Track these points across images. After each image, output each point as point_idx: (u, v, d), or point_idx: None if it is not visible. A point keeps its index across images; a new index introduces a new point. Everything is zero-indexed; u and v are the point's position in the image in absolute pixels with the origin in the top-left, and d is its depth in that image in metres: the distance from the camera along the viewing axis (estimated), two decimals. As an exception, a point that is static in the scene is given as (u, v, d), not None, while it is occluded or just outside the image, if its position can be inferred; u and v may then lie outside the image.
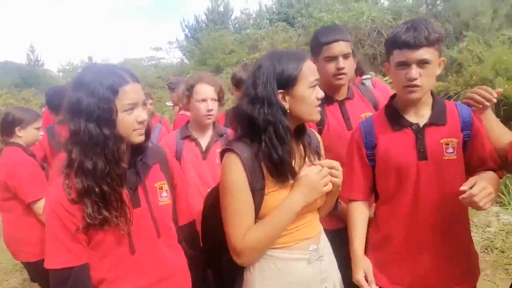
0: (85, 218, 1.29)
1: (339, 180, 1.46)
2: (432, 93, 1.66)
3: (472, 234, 1.73)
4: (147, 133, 1.46)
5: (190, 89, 2.38)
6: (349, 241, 1.68)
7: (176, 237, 1.58)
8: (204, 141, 2.44)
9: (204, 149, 2.42)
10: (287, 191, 1.42)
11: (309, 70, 1.42)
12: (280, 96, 1.41)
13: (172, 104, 5.12)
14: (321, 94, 1.43)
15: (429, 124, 1.60)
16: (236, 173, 1.38)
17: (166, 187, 1.53)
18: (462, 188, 1.38)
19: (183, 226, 1.65)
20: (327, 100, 1.98)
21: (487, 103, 1.66)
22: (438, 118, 1.61)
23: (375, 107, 2.18)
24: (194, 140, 2.42)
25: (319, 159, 1.56)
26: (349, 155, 1.78)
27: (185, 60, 22.29)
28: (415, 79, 1.51)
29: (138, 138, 1.39)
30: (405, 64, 1.52)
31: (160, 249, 1.47)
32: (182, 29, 23.82)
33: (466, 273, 1.65)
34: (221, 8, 24.03)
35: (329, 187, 1.43)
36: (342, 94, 2.13)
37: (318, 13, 10.62)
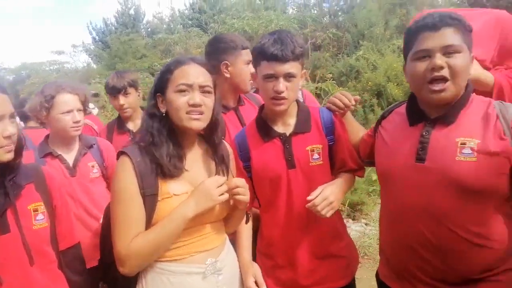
0: None
1: (245, 198, 1.44)
2: (297, 102, 1.72)
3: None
4: (18, 150, 1.34)
5: (50, 100, 2.13)
6: (237, 250, 1.69)
7: (55, 262, 1.45)
8: (70, 156, 2.23)
9: (71, 164, 2.22)
10: (183, 199, 1.38)
11: (180, 74, 1.40)
12: (159, 100, 1.42)
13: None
14: (193, 100, 1.37)
15: (294, 133, 1.65)
16: (125, 177, 1.33)
17: (42, 208, 1.40)
18: (308, 197, 1.50)
19: (64, 250, 1.52)
20: (223, 108, 2.03)
21: (347, 109, 1.75)
22: (302, 127, 1.67)
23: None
24: (58, 156, 2.20)
25: (227, 171, 1.55)
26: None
27: (93, 65, 20.92)
28: (282, 91, 1.54)
29: (5, 156, 1.27)
30: (273, 77, 1.55)
31: (32, 278, 1.33)
32: (89, 32, 22.33)
33: (343, 268, 1.73)
34: (132, 11, 23.05)
35: (225, 197, 1.40)
36: (235, 101, 2.18)
37: (230, 19, 10.76)
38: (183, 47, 14.32)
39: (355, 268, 1.80)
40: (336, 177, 1.68)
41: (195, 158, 1.50)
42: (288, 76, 1.55)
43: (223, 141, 1.63)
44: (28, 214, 1.37)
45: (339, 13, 12.37)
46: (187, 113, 1.38)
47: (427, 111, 1.40)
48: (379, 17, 9.75)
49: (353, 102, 1.73)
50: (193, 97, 1.38)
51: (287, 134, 1.66)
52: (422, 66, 1.31)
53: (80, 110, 2.20)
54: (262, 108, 1.74)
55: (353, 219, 4.94)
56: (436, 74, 1.29)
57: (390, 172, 1.46)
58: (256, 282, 1.62)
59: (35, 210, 1.38)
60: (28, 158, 2.11)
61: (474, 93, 1.42)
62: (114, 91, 2.75)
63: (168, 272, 1.38)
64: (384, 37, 9.39)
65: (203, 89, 1.41)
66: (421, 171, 1.35)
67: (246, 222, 1.66)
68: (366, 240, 4.36)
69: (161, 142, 1.38)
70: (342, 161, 1.72)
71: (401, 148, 1.43)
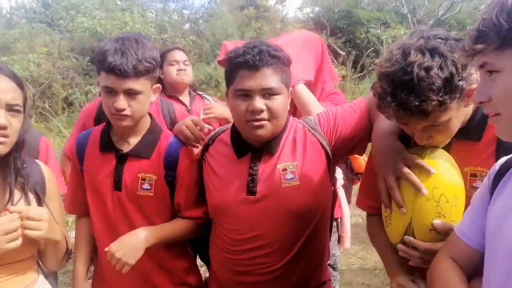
0: None
1: (36, 233, 1.23)
2: (151, 122, 1.58)
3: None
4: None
5: None
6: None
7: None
8: None
9: None
10: None
11: None
12: None
13: None
14: None
15: (131, 154, 1.52)
16: None
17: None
18: (106, 249, 1.39)
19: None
20: None
21: (197, 144, 1.58)
22: (141, 150, 1.53)
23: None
24: None
25: (39, 199, 1.33)
26: (71, 167, 1.69)
27: None
28: (123, 109, 1.40)
29: None
30: (113, 91, 1.40)
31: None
32: None
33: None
34: (-42, -2, 19.39)
35: (14, 244, 1.18)
36: None
37: (81, 17, 9.89)
38: (27, 45, 12.63)
39: None
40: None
41: None
42: (130, 93, 1.40)
43: (38, 163, 1.43)
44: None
45: (200, 21, 12.56)
46: None
47: (252, 142, 1.43)
48: (235, 29, 10.23)
49: (206, 130, 1.58)
50: None
51: (124, 152, 1.52)
52: (243, 105, 1.33)
53: None
54: None
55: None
56: (256, 117, 1.32)
57: (223, 206, 1.45)
58: None
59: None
60: None
61: (291, 116, 1.52)
62: None
63: None
64: (240, 47, 9.88)
65: (10, 108, 1.20)
66: (253, 204, 1.39)
67: (67, 259, 1.48)
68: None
69: None
70: (177, 205, 1.57)
71: (232, 181, 1.43)
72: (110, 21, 9.17)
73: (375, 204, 1.36)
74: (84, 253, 1.63)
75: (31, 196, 1.33)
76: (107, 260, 1.40)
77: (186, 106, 2.58)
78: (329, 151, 1.45)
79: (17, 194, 1.29)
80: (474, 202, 1.03)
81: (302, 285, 1.49)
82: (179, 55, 2.60)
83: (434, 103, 1.01)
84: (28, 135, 1.63)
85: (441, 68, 1.01)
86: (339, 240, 2.52)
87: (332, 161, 1.47)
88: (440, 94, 1.01)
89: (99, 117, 1.99)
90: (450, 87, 1.01)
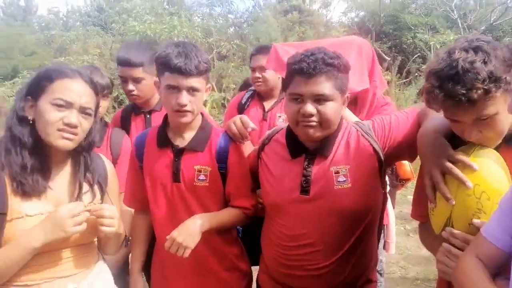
0: None
1: (109, 229, 1.35)
2: (202, 119, 1.71)
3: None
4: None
5: None
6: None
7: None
8: None
9: None
10: (36, 221, 1.27)
11: (62, 87, 1.30)
12: (25, 104, 1.31)
13: None
14: (68, 119, 1.29)
15: (187, 148, 1.65)
16: None
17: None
18: (167, 236, 1.50)
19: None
20: (134, 111, 2.27)
21: (243, 141, 1.70)
22: (195, 144, 1.66)
23: None
24: None
25: (102, 192, 1.47)
26: (129, 165, 1.81)
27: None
28: (186, 105, 1.54)
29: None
30: (176, 89, 1.53)
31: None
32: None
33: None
34: (22, 3, 20.89)
35: (80, 228, 1.29)
36: (149, 106, 2.24)
37: (132, 21, 10.37)
38: (81, 46, 13.40)
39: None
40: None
41: (63, 175, 1.40)
42: (192, 90, 1.54)
43: (101, 157, 1.56)
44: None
45: (244, 25, 12.77)
46: (59, 130, 1.29)
47: (306, 143, 1.52)
48: (279, 33, 10.32)
49: (250, 129, 1.67)
50: (70, 116, 1.30)
51: (180, 147, 1.66)
52: (296, 108, 1.42)
53: None
54: (166, 116, 1.71)
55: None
56: (307, 119, 1.41)
57: (277, 203, 1.55)
58: None
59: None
60: None
61: (344, 120, 1.58)
62: None
63: None
64: (285, 52, 9.93)
65: (83, 110, 1.34)
66: (306, 203, 1.47)
67: (125, 245, 1.61)
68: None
69: (23, 154, 1.28)
70: (227, 194, 1.70)
71: (286, 180, 1.52)
72: (159, 25, 9.53)
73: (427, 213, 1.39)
74: (139, 252, 1.79)
75: (96, 188, 1.47)
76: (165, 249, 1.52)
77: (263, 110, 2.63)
78: (382, 156, 1.50)
79: (85, 187, 1.44)
80: (502, 203, 1.05)
81: (348, 285, 1.54)
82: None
83: (480, 91, 1.05)
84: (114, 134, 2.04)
85: (484, 62, 1.06)
86: (385, 246, 2.53)
87: (383, 166, 1.52)
88: (486, 83, 1.04)
89: (123, 121, 2.29)
90: (494, 77, 1.05)
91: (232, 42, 10.31)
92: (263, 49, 2.63)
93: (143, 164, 1.72)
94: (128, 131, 2.24)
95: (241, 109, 2.67)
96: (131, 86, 2.14)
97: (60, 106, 1.29)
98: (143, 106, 2.25)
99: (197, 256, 1.59)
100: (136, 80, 2.13)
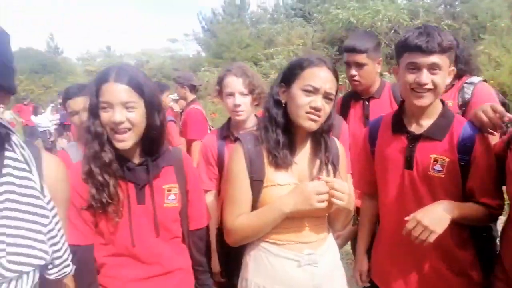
0: (89, 199, 1.41)
1: (341, 203, 1.43)
2: (443, 106, 1.63)
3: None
4: (156, 140, 1.50)
5: (220, 82, 2.08)
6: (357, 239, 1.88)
7: (180, 239, 1.63)
8: None
9: None
10: (285, 190, 1.48)
11: (311, 75, 1.46)
12: (280, 89, 1.53)
13: (177, 97, 5.22)
14: (315, 103, 1.44)
15: (424, 136, 1.60)
16: (236, 162, 1.51)
17: (176, 190, 1.55)
18: (406, 218, 1.45)
19: (192, 231, 1.67)
20: (353, 97, 2.40)
21: (493, 132, 1.55)
22: (434, 132, 1.58)
23: None
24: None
25: (335, 170, 1.58)
26: (359, 149, 1.90)
27: (202, 53, 22.42)
28: (426, 83, 1.49)
29: (118, 144, 1.41)
30: (415, 68, 1.51)
31: (159, 247, 1.52)
32: (199, 21, 23.92)
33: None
34: (238, 1, 24.03)
35: (323, 205, 1.42)
36: (368, 93, 2.33)
37: (334, 9, 10.59)
38: (285, 38, 14.55)
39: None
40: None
41: (305, 152, 1.59)
42: (433, 68, 1.50)
43: (334, 139, 1.65)
44: (162, 193, 1.52)
45: (456, 3, 11.32)
46: (307, 113, 1.44)
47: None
48: (504, 8, 8.69)
49: (506, 119, 1.49)
50: (316, 100, 1.44)
51: (416, 133, 1.62)
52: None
53: (243, 94, 1.99)
54: (402, 102, 1.71)
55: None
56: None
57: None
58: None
59: (169, 190, 1.54)
60: (211, 138, 2.11)
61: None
62: None
63: (267, 252, 1.51)
64: (510, 30, 8.34)
65: (327, 95, 1.46)
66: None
67: (353, 224, 1.73)
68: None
69: (277, 132, 1.51)
70: (470, 190, 1.56)
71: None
72: (362, 11, 9.44)
73: None
74: (366, 233, 1.86)
75: (330, 166, 1.59)
76: (388, 236, 1.61)
77: None
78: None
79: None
80: None
81: None
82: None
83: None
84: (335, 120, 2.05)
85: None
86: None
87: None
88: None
89: (343, 107, 2.42)
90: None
91: (442, 23, 9.30)
92: None
93: (374, 149, 1.76)
94: (346, 117, 2.36)
95: None
96: (353, 71, 2.26)
97: (309, 91, 1.46)
98: (363, 93, 2.34)
99: (419, 251, 1.55)
100: (359, 66, 2.23)
